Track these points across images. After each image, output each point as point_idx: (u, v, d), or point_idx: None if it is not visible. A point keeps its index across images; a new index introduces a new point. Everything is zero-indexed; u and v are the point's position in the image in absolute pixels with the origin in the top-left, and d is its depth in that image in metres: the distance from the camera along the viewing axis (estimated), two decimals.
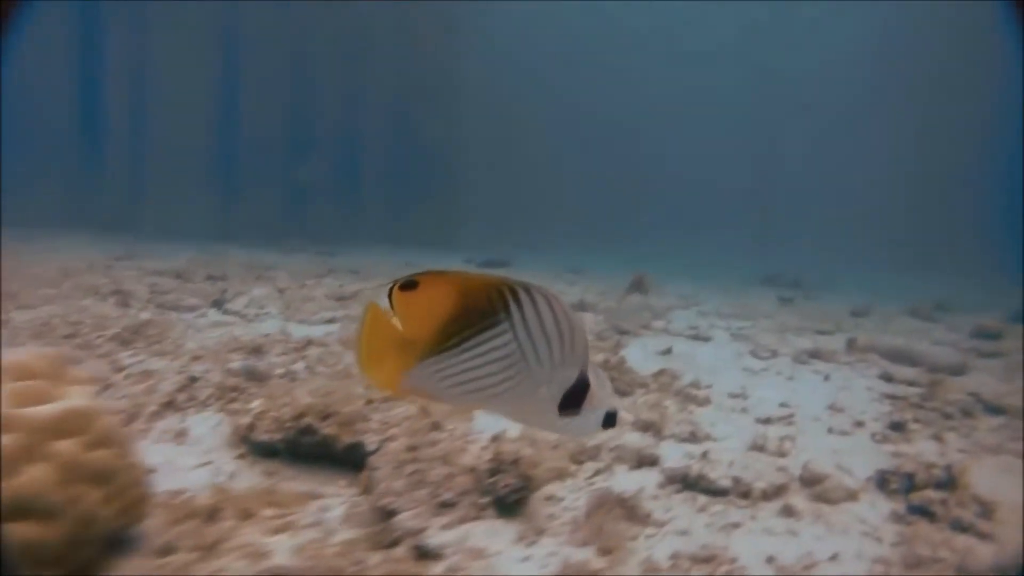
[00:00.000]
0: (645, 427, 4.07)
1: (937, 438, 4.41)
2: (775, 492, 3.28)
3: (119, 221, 16.13)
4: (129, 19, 18.35)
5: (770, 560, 2.64)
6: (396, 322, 1.25)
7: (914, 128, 29.18)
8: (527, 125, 27.92)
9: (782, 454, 3.93)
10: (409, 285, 1.22)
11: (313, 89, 20.57)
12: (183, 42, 19.12)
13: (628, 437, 3.85)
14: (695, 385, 5.09)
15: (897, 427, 4.50)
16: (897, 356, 6.75)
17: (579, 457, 3.47)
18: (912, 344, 7.18)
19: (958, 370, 6.54)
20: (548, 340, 1.23)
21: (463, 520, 2.58)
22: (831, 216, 30.01)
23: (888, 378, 5.91)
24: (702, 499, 3.17)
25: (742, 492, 3.23)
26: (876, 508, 3.27)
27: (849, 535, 2.99)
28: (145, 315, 5.89)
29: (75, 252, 10.53)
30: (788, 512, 3.12)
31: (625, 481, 3.31)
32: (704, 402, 4.79)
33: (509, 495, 2.74)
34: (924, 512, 3.14)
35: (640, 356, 5.98)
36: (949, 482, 3.36)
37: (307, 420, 3.23)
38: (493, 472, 2.76)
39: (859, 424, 4.64)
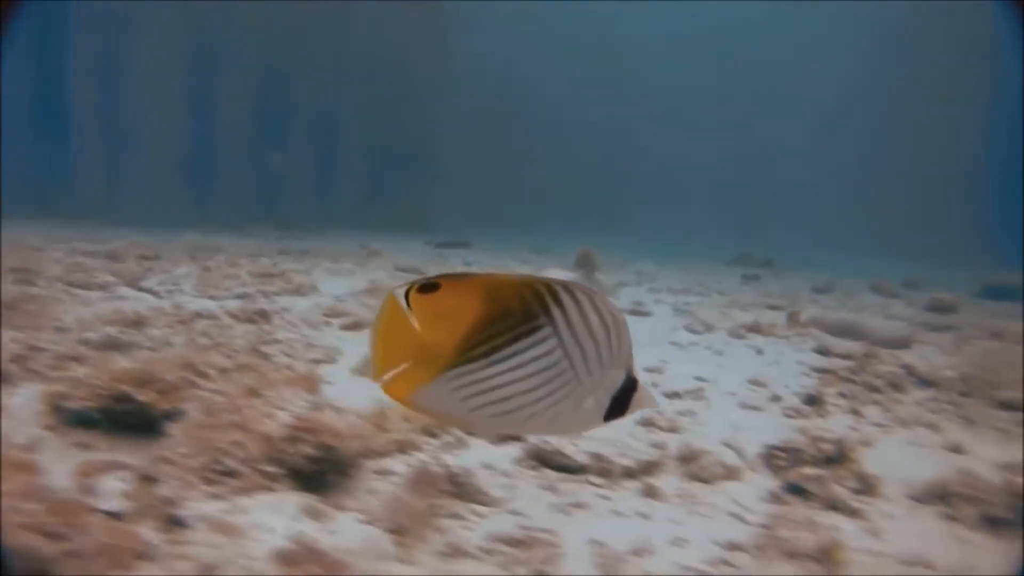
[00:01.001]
0: None
1: (855, 412, 4.09)
2: (642, 470, 2.95)
3: (91, 210, 15.74)
4: (98, 8, 17.88)
5: (595, 544, 2.31)
6: (414, 323, 1.10)
7: (903, 116, 28.67)
8: (502, 112, 27.45)
9: (673, 430, 3.61)
10: (429, 287, 1.08)
11: (287, 77, 20.14)
12: (155, 30, 18.69)
13: None
14: None
15: (813, 401, 4.17)
16: (841, 330, 6.43)
17: (433, 430, 3.14)
18: (862, 319, 6.86)
19: (902, 343, 6.23)
20: (596, 343, 1.11)
21: (244, 491, 2.25)
22: (819, 201, 29.62)
23: (824, 351, 5.60)
24: (552, 476, 2.84)
25: (601, 470, 2.91)
26: (755, 487, 2.94)
27: (711, 517, 2.66)
28: (35, 291, 5.55)
29: (23, 239, 10.16)
30: (650, 492, 2.80)
31: (479, 456, 2.98)
32: None
33: (312, 466, 2.41)
34: (799, 490, 2.81)
35: None
36: (839, 458, 3.05)
37: (124, 388, 2.91)
38: (294, 441, 2.43)
39: (776, 399, 4.32)
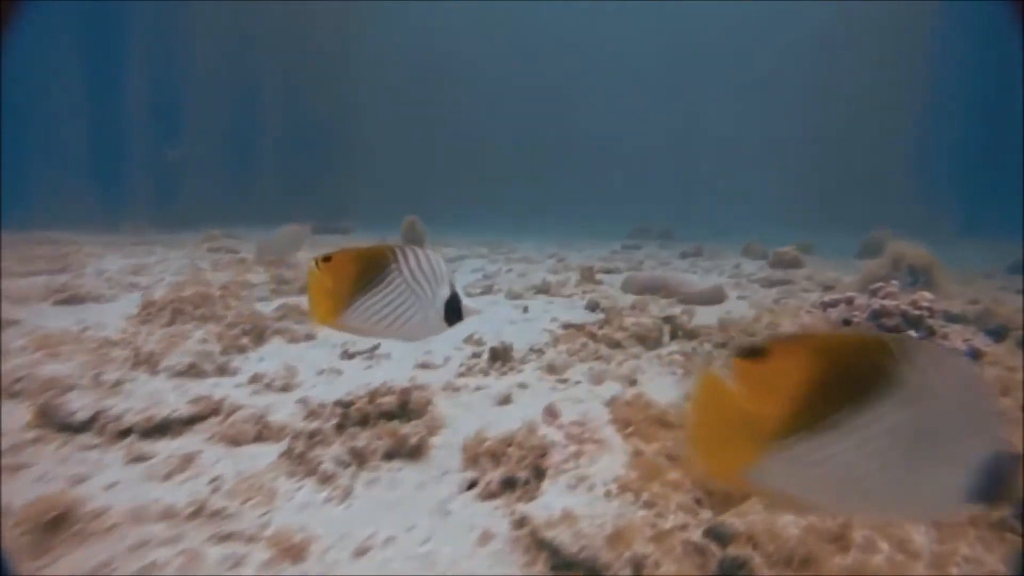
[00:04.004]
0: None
1: (507, 370, 3.51)
2: (148, 432, 2.39)
3: None
4: None
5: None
6: (737, 394, 0.97)
7: (830, 97, 28.22)
8: (423, 98, 26.74)
9: (284, 389, 3.05)
10: (756, 352, 0.97)
11: (193, 70, 19.40)
12: (53, 27, 17.94)
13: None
14: None
15: (495, 356, 3.60)
16: (647, 288, 5.88)
17: None
18: (685, 278, 6.31)
19: (712, 299, 5.69)
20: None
21: None
22: (759, 178, 29.12)
23: (593, 307, 5.03)
24: (60, 438, 2.31)
25: (99, 429, 2.36)
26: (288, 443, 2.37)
27: (193, 480, 2.10)
28: None
29: None
30: (135, 456, 2.24)
31: None
32: (310, 336, 3.96)
33: None
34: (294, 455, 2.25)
35: None
36: (402, 408, 2.51)
37: None
38: None
39: (447, 358, 3.74)
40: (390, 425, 2.42)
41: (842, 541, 1.50)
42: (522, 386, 3.20)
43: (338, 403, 2.58)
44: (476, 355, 3.72)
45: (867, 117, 26.11)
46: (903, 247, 6.04)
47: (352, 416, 2.50)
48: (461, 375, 3.42)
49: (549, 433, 1.98)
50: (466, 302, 1.72)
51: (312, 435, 2.28)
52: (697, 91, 31.60)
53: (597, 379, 3.32)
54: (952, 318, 5.10)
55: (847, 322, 3.52)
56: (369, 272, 1.60)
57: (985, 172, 25.65)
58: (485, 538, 1.74)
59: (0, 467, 1.91)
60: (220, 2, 18.67)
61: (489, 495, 1.98)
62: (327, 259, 1.59)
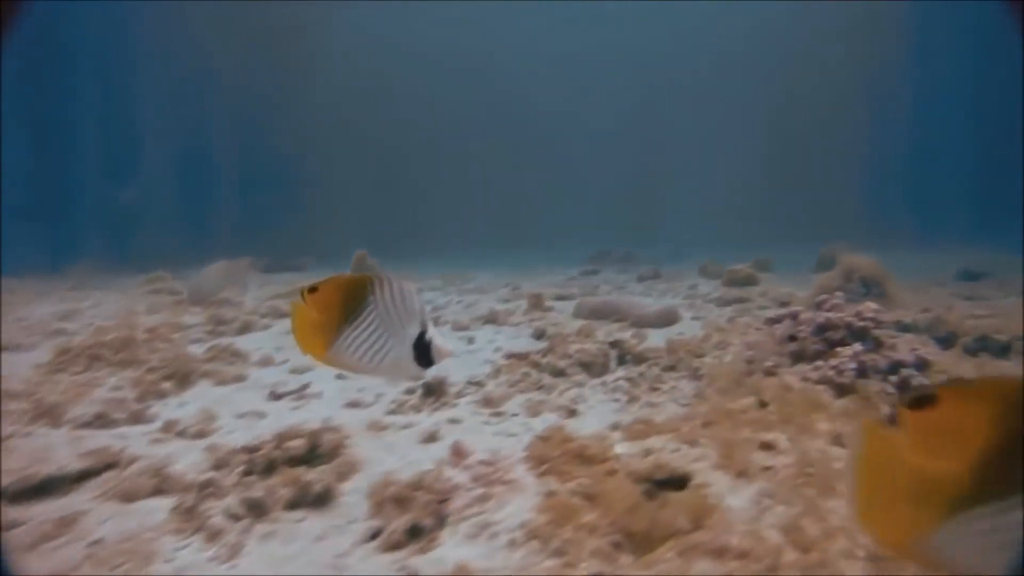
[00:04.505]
0: None
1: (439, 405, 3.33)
2: (21, 494, 2.15)
3: None
4: None
5: None
6: (909, 449, 0.85)
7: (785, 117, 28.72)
8: (380, 133, 26.63)
9: (199, 436, 2.85)
10: (925, 400, 0.84)
11: (145, 110, 19.07)
12: None
13: None
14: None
15: (428, 391, 3.41)
16: (599, 312, 5.75)
17: None
18: (624, 300, 6.19)
19: (665, 321, 5.57)
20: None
21: None
22: (711, 198, 29.41)
23: (540, 335, 4.87)
24: None
25: None
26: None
27: (67, 546, 1.86)
28: None
29: None
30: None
31: None
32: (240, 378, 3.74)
33: None
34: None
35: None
36: (311, 452, 2.32)
37: None
38: None
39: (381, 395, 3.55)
40: (295, 471, 2.22)
41: None
42: (453, 421, 3.02)
43: (244, 448, 2.38)
44: (411, 391, 3.53)
45: (823, 131, 26.60)
46: (854, 259, 6.00)
47: (257, 463, 2.30)
48: (390, 412, 3.23)
49: (455, 475, 1.80)
50: (439, 342, 1.58)
51: (204, 486, 2.07)
52: (656, 111, 31.95)
53: (533, 411, 3.15)
54: (904, 327, 5.05)
55: (792, 338, 3.40)
56: (352, 302, 1.52)
57: (940, 180, 26.25)
58: None
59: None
60: (172, 34, 18.41)
61: (392, 546, 1.79)
62: (313, 290, 1.51)
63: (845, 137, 26.37)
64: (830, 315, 3.34)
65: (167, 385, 3.69)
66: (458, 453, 1.96)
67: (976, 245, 13.51)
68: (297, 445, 2.32)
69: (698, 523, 1.48)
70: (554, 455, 1.85)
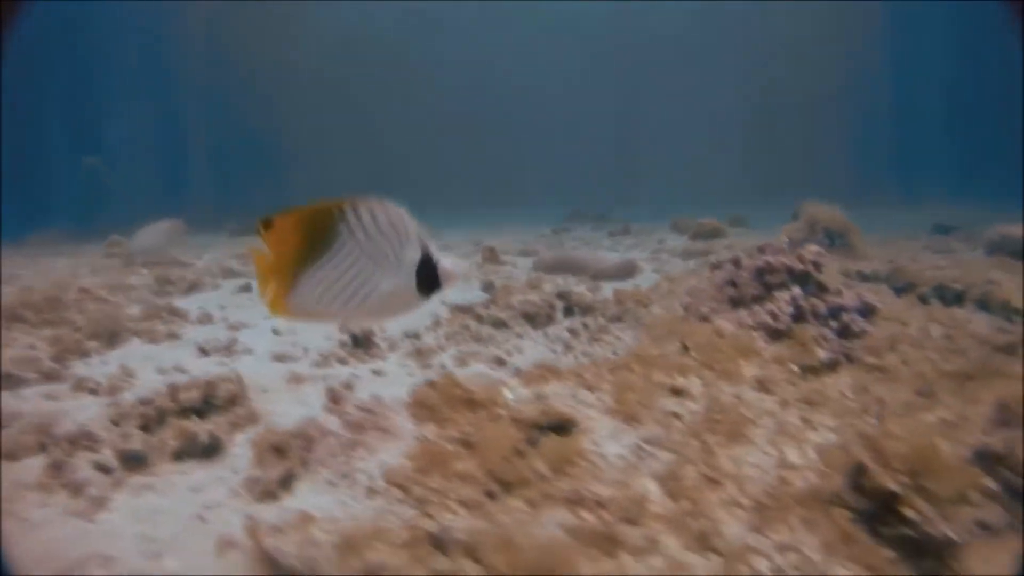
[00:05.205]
0: None
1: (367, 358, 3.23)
2: None
3: None
4: None
5: None
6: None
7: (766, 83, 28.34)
8: (354, 92, 26.13)
9: (109, 392, 2.74)
10: (268, 223, 1.38)
11: (117, 73, 18.58)
12: None
13: None
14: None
15: (357, 343, 3.31)
16: (556, 267, 5.65)
17: None
18: (597, 254, 6.09)
19: (624, 273, 5.48)
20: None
21: None
22: (693, 158, 29.18)
23: (488, 288, 4.77)
24: None
25: None
26: None
27: None
28: None
29: None
30: None
31: None
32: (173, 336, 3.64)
33: None
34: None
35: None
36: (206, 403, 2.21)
37: None
38: None
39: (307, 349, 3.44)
40: (185, 423, 2.11)
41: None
42: (376, 373, 2.92)
43: (141, 401, 2.27)
44: (344, 344, 3.42)
45: (805, 91, 26.33)
46: (817, 210, 5.90)
47: (150, 415, 2.19)
48: (316, 364, 3.12)
49: (329, 421, 1.69)
50: (446, 263, 1.42)
51: (78, 439, 1.95)
52: (637, 70, 31.45)
53: (463, 362, 3.05)
54: (865, 277, 5.00)
55: (732, 283, 3.30)
56: (318, 236, 1.35)
57: (926, 139, 26.10)
58: (224, 547, 1.45)
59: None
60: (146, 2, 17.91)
61: (265, 495, 1.69)
62: (267, 224, 1.36)
63: (830, 96, 26.11)
64: (770, 259, 3.23)
65: (93, 344, 3.56)
66: (334, 399, 1.85)
67: (958, 201, 13.49)
68: (190, 396, 2.21)
69: (559, 470, 1.38)
70: (437, 401, 1.74)
